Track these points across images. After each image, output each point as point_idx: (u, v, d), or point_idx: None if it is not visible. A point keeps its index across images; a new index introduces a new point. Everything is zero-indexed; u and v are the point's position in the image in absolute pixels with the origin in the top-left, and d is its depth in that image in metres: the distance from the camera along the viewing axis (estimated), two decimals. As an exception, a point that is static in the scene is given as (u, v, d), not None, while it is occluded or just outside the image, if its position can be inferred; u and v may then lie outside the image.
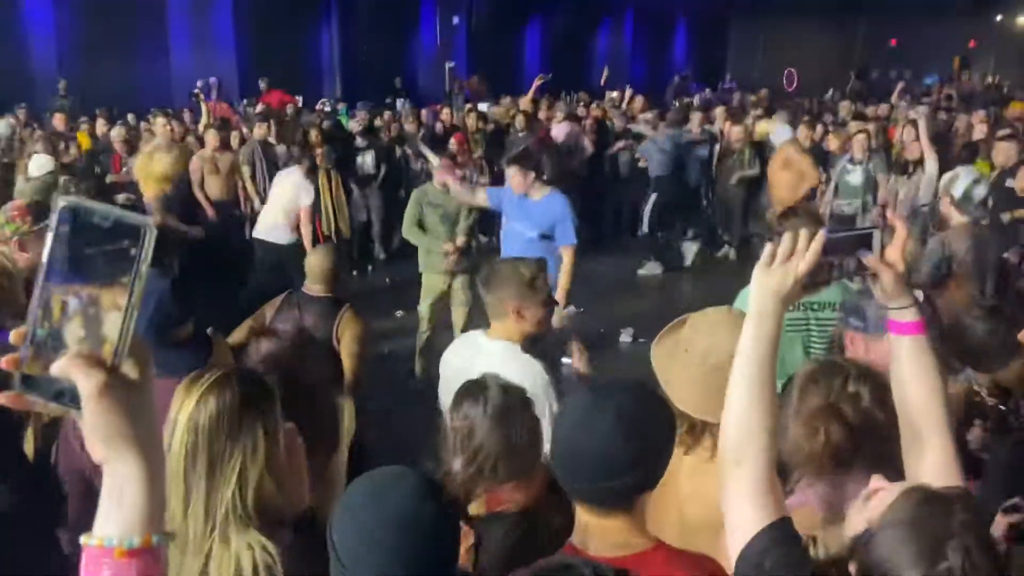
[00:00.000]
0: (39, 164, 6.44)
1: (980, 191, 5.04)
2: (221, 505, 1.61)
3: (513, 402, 2.06)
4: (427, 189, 6.10)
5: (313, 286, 3.93)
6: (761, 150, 9.41)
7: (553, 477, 2.07)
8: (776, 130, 8.62)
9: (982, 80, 22.32)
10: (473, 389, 2.11)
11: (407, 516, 1.37)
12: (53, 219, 0.81)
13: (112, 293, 0.82)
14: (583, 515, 1.67)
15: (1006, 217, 6.19)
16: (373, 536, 1.36)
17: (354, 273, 8.86)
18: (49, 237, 0.81)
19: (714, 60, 23.62)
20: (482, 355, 2.85)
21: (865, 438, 1.87)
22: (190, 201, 7.82)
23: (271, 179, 8.21)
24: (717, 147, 9.88)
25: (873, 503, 1.34)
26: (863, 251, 1.43)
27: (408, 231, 6.02)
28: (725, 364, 2.19)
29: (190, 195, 7.87)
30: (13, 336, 0.81)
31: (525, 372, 2.73)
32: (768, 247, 1.43)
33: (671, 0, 20.89)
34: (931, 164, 7.25)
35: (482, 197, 5.56)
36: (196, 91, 11.28)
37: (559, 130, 10.08)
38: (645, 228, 9.73)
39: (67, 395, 0.82)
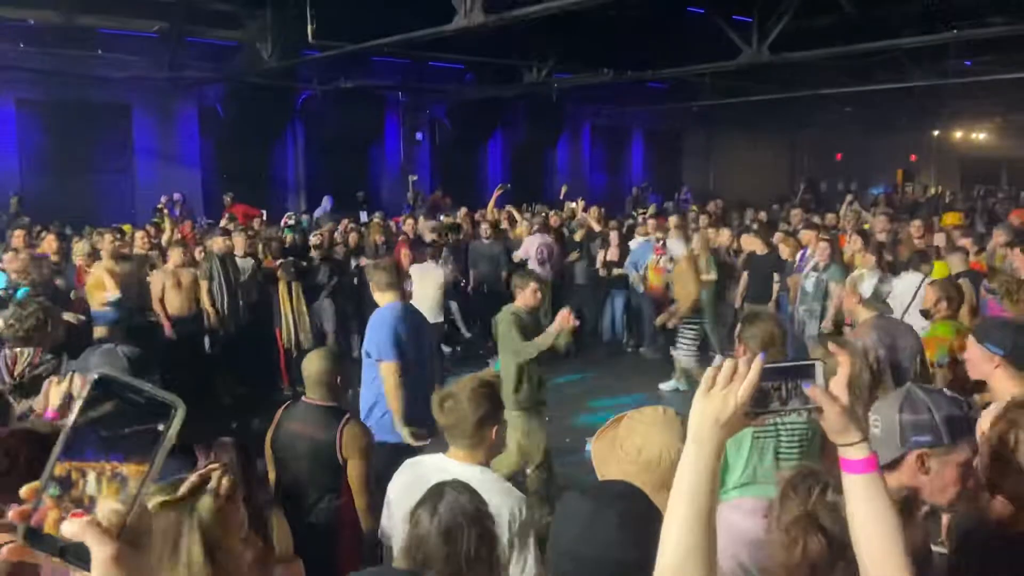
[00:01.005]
0: None
1: (886, 288, 5.21)
2: None
3: (465, 516, 2.00)
4: (518, 311, 5.57)
5: (313, 395, 3.82)
6: (718, 257, 9.69)
7: None
8: (672, 244, 9.29)
9: (924, 191, 23.33)
10: (432, 495, 2.06)
11: None
12: (85, 389, 0.86)
13: (132, 467, 0.85)
14: None
15: None
16: None
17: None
18: (77, 406, 0.86)
19: (670, 172, 24.45)
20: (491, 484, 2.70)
21: (845, 549, 1.83)
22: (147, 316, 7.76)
23: (230, 293, 8.19)
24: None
25: None
26: (806, 382, 1.37)
27: (533, 350, 5.31)
28: (654, 461, 2.22)
29: (147, 310, 7.82)
30: (24, 491, 0.85)
31: (512, 502, 2.65)
32: (708, 372, 1.39)
33: (626, 114, 21.72)
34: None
35: None
36: (160, 206, 11.35)
37: (532, 241, 10.28)
38: None
39: (72, 553, 0.84)
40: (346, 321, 9.39)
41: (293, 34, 12.38)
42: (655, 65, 14.00)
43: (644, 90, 19.48)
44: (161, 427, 0.86)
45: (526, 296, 5.60)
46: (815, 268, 8.10)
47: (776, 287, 9.02)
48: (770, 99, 17.60)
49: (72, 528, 0.84)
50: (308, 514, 3.67)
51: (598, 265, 10.44)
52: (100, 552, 0.84)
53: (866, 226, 10.62)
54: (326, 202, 15.90)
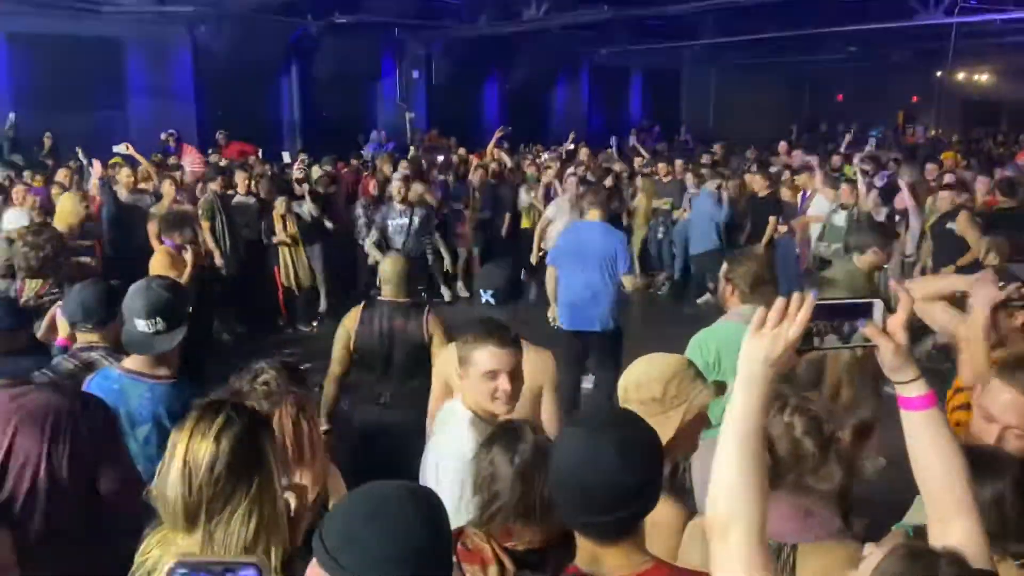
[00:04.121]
0: (11, 219, 6.46)
1: None
2: (238, 540, 1.66)
3: (540, 459, 1.97)
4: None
5: (394, 293, 4.18)
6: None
7: None
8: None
9: (926, 133, 23.15)
10: (506, 436, 2.05)
11: (409, 538, 1.35)
12: None
13: None
14: (587, 544, 1.68)
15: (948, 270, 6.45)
16: (369, 553, 1.32)
17: (314, 325, 8.81)
18: None
19: (669, 112, 24.18)
20: (456, 419, 2.64)
21: (790, 467, 1.90)
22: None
23: (231, 232, 8.16)
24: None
25: (862, 568, 1.33)
26: (862, 320, 1.38)
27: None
28: (633, 399, 2.32)
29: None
30: None
31: (464, 444, 2.47)
32: (759, 311, 1.40)
33: (625, 54, 21.39)
34: (915, 220, 7.80)
35: None
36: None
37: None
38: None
39: None
40: (334, 263, 9.31)
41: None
42: (655, 2, 13.76)
43: (644, 28, 19.16)
44: None
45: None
46: (843, 206, 8.08)
47: (774, 228, 8.98)
48: (771, 37, 17.33)
49: None
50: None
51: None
52: None
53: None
54: (380, 136, 16.16)
